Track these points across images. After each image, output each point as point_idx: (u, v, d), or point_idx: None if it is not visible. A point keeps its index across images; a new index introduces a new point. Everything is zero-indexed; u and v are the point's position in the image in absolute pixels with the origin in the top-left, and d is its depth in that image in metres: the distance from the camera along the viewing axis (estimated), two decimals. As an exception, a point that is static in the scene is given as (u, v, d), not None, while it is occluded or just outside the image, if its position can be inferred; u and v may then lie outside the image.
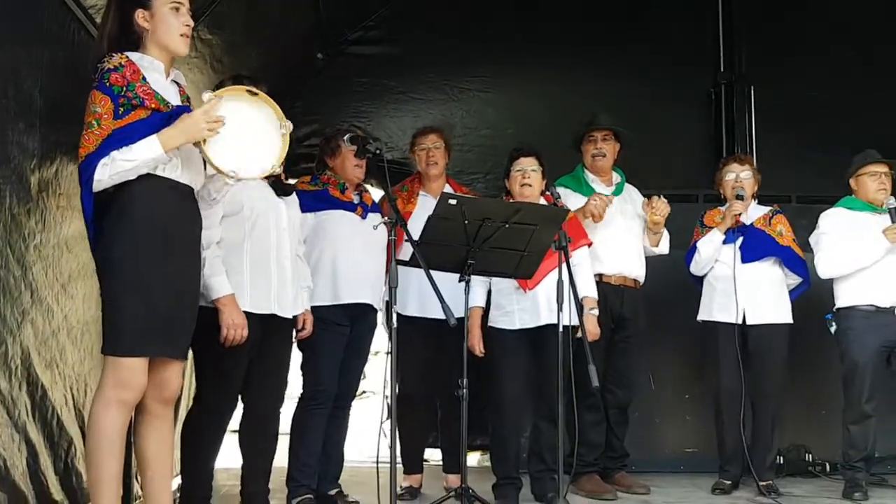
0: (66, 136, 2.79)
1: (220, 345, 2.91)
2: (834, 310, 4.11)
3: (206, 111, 2.42)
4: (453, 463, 4.08)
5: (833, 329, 4.11)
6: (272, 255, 3.12)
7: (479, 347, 3.64)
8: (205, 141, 2.43)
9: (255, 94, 2.54)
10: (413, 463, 4.10)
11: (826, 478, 4.57)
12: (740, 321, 4.04)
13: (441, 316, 3.71)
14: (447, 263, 3.15)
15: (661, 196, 4.07)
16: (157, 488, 2.59)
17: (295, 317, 3.25)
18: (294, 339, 3.37)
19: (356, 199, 3.67)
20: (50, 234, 2.72)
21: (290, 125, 2.57)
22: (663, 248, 4.21)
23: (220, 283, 2.91)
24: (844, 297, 4.04)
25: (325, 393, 3.50)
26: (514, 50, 5.39)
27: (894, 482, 4.22)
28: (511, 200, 3.74)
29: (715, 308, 4.13)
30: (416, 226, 3.18)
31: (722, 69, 5.57)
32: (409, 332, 3.78)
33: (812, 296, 4.22)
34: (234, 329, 2.90)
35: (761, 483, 4.01)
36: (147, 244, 2.41)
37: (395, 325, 2.95)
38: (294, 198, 3.34)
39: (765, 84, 5.48)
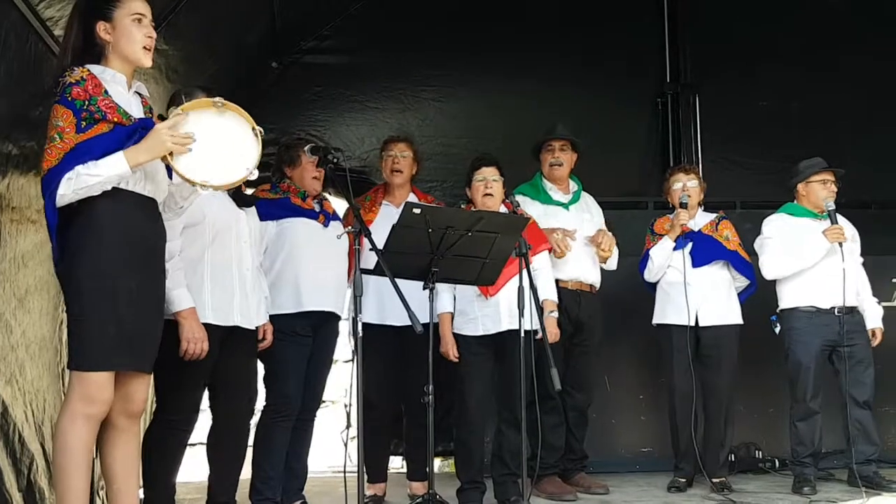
0: (19, 149, 2.76)
1: (179, 358, 2.88)
2: (778, 311, 4.27)
3: (170, 126, 2.41)
4: (417, 470, 4.11)
5: (777, 329, 4.27)
6: (234, 267, 3.11)
7: (453, 352, 3.67)
8: (171, 155, 2.42)
9: (222, 105, 2.52)
10: (376, 472, 4.10)
11: (776, 473, 4.72)
12: (693, 323, 4.17)
13: (400, 323, 3.79)
14: (411, 271, 3.19)
15: (608, 233, 4.18)
16: (123, 501, 2.55)
17: (258, 327, 3.24)
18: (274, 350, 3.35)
19: (317, 208, 3.68)
20: (6, 248, 2.68)
21: (261, 130, 2.56)
22: (611, 265, 4.31)
23: (181, 296, 2.88)
24: (787, 299, 4.21)
25: (290, 404, 3.48)
26: (468, 60, 5.47)
27: (841, 476, 4.36)
28: (472, 208, 3.81)
29: (669, 311, 4.25)
30: (376, 235, 3.18)
31: (668, 79, 5.74)
32: (369, 340, 3.78)
33: (759, 297, 4.36)
34: (195, 343, 2.88)
35: (714, 480, 4.13)
36: (112, 257, 2.39)
37: (360, 333, 2.96)
38: (252, 209, 3.33)
39: (709, 93, 5.68)
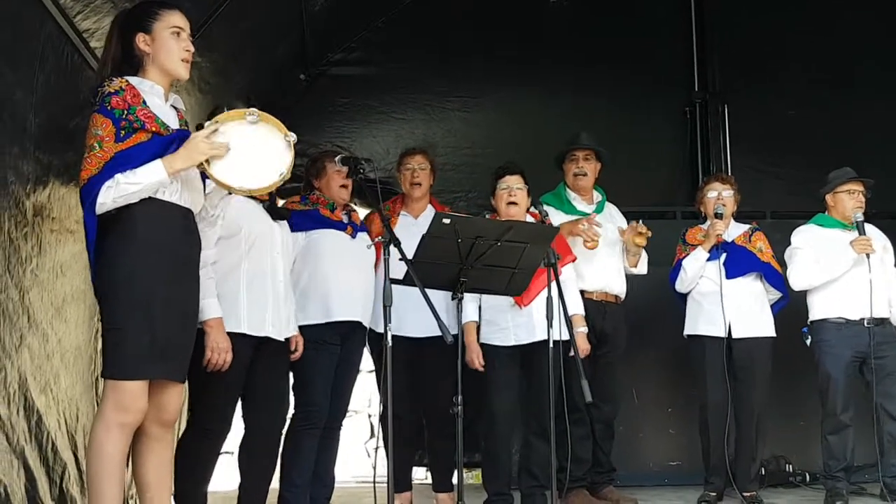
0: (58, 159, 2.80)
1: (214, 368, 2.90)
2: (808, 323, 4.23)
3: (206, 134, 2.44)
4: (443, 481, 4.09)
5: (809, 341, 4.22)
6: (268, 278, 3.12)
7: (478, 361, 3.66)
8: (208, 162, 2.44)
9: (256, 119, 2.54)
10: (401, 481, 4.08)
11: (807, 487, 4.67)
12: (726, 335, 4.12)
13: (417, 334, 3.79)
14: (440, 281, 3.18)
15: (640, 221, 4.15)
16: (157, 510, 2.57)
17: (287, 339, 3.25)
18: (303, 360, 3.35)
19: (345, 219, 3.69)
20: (45, 258, 2.71)
21: (294, 136, 2.58)
22: (642, 268, 4.28)
23: (210, 305, 2.89)
24: (817, 310, 4.17)
25: (318, 413, 3.48)
26: (493, 71, 5.49)
27: (874, 490, 4.29)
28: (497, 218, 3.80)
29: (701, 322, 4.20)
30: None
31: (696, 88, 5.71)
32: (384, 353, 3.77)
33: (790, 309, 4.31)
34: (219, 353, 2.88)
35: (745, 494, 4.08)
36: (148, 267, 2.40)
37: (389, 343, 2.96)
38: (285, 221, 3.35)
39: (738, 102, 5.65)
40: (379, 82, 5.43)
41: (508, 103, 5.56)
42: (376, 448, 3.57)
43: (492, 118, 5.56)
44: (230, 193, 2.70)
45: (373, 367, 4.21)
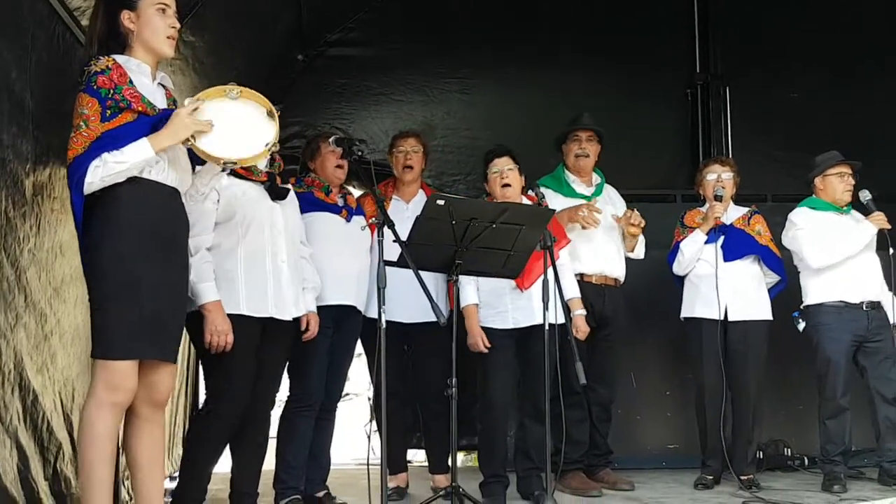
0: (58, 139, 2.77)
1: (228, 351, 2.91)
2: (801, 307, 4.20)
3: (189, 111, 2.42)
4: (439, 463, 4.10)
5: (801, 326, 4.20)
6: (267, 259, 3.10)
7: (484, 342, 3.62)
8: (194, 137, 2.42)
9: (237, 95, 2.53)
10: (396, 463, 4.09)
11: (805, 471, 4.66)
12: (723, 317, 4.10)
13: (406, 319, 3.77)
14: (435, 263, 3.17)
15: (636, 210, 4.12)
16: (149, 491, 2.57)
17: (296, 319, 3.23)
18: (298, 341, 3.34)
19: (340, 202, 3.68)
20: (44, 238, 2.70)
21: (275, 108, 2.56)
22: (639, 252, 4.25)
23: (207, 289, 2.89)
24: (813, 294, 4.15)
25: (313, 395, 3.49)
26: (494, 52, 5.44)
27: (872, 474, 4.29)
28: (494, 201, 3.78)
29: (698, 305, 4.19)
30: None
31: (698, 70, 5.66)
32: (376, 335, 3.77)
33: (788, 293, 4.29)
34: (217, 335, 2.89)
35: (742, 477, 4.07)
36: (134, 247, 2.39)
37: (383, 325, 2.95)
38: (292, 199, 3.32)
39: (740, 84, 5.60)
40: (377, 63, 5.39)
41: (508, 86, 5.51)
42: (372, 431, 3.58)
43: (491, 100, 5.52)
44: (224, 171, 2.68)
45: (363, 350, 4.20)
